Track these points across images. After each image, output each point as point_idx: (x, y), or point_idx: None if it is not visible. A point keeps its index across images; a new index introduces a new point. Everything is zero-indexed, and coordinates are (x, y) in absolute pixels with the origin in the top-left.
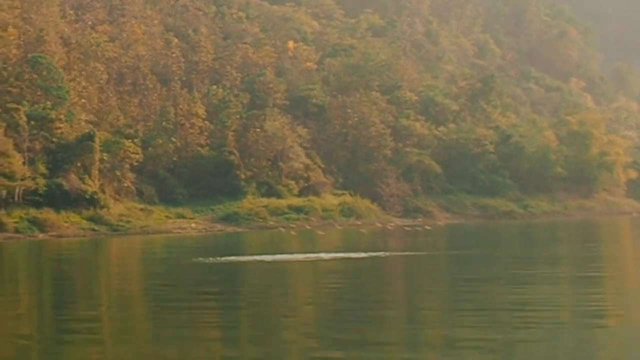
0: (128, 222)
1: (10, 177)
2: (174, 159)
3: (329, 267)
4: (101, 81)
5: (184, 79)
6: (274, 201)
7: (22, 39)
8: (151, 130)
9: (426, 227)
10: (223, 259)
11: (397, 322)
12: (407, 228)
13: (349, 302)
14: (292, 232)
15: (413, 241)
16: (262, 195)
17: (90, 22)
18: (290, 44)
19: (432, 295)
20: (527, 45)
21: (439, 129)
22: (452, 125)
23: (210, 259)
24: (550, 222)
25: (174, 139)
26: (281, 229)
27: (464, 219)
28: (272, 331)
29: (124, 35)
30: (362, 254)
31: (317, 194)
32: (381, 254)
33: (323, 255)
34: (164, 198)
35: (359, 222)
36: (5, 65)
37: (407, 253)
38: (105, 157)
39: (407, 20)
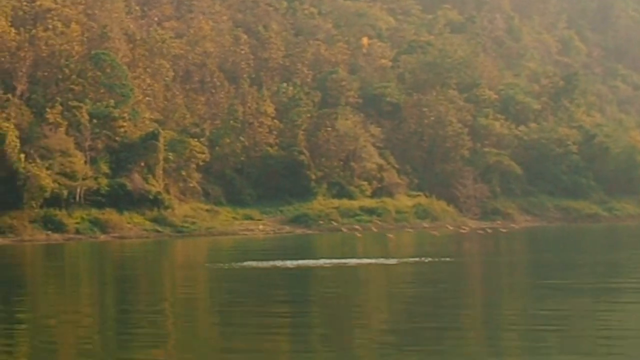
0: (193, 223)
1: (71, 176)
2: (242, 158)
3: (342, 276)
4: (167, 79)
5: (253, 76)
6: (345, 202)
7: (85, 35)
8: (218, 129)
9: (501, 229)
10: (238, 264)
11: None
12: (479, 231)
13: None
14: (358, 234)
15: (483, 245)
16: (334, 197)
17: (156, 18)
18: (365, 40)
19: (505, 311)
20: (614, 41)
21: (519, 128)
22: (533, 125)
23: (225, 264)
24: (636, 225)
25: (242, 138)
26: (344, 230)
27: (545, 221)
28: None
29: (191, 31)
30: (393, 261)
31: (391, 195)
32: (426, 259)
33: (350, 261)
34: (231, 199)
35: (426, 225)
36: (67, 62)
37: (458, 259)
38: (170, 157)
39: (488, 16)
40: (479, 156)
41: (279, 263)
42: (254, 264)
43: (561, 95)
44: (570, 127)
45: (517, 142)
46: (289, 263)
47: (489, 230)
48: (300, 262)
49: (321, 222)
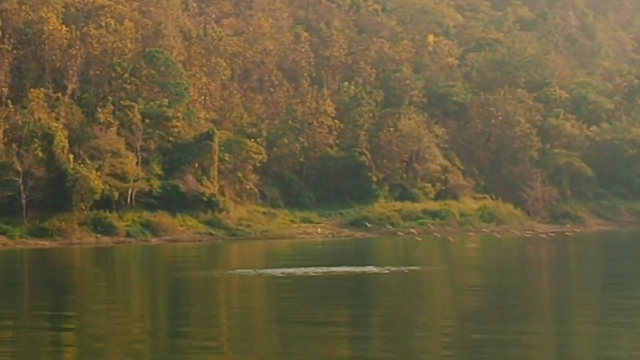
0: (248, 226)
1: (122, 178)
2: (301, 159)
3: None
4: (223, 77)
5: (314, 75)
6: (407, 205)
7: (139, 33)
8: (277, 129)
9: (567, 233)
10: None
11: None
12: (542, 235)
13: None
14: (417, 239)
15: (530, 251)
16: (396, 199)
17: (214, 15)
18: (431, 37)
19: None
20: None
21: (591, 128)
22: (605, 125)
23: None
24: None
25: (301, 139)
26: (400, 234)
27: (617, 225)
28: None
29: (250, 29)
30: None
31: (455, 197)
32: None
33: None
34: (289, 201)
35: (485, 230)
36: (119, 61)
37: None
38: (226, 158)
39: (560, 13)
40: (549, 157)
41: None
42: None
43: (635, 94)
44: None
45: (588, 143)
46: (280, 271)
47: (552, 234)
48: (288, 270)
49: (368, 224)
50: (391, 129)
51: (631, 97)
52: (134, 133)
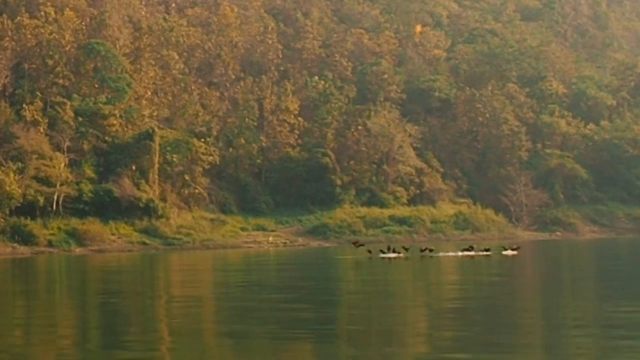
0: (187, 234)
1: (47, 182)
2: (259, 161)
3: None
4: (174, 71)
5: (282, 69)
6: (373, 211)
7: (83, 23)
8: (233, 127)
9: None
10: None
11: None
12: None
13: None
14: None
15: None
16: (363, 204)
17: (174, 5)
18: (418, 28)
19: None
20: None
21: (588, 126)
22: (605, 123)
23: None
24: None
25: (262, 138)
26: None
27: (614, 232)
28: None
29: (215, 19)
30: None
31: (432, 202)
32: None
33: None
34: (245, 207)
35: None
36: (51, 54)
37: None
38: (174, 159)
39: (570, 2)
40: (539, 158)
41: None
42: None
43: None
44: None
45: (585, 142)
46: None
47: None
48: None
49: (352, 232)
50: (360, 127)
51: (638, 92)
52: (64, 132)
